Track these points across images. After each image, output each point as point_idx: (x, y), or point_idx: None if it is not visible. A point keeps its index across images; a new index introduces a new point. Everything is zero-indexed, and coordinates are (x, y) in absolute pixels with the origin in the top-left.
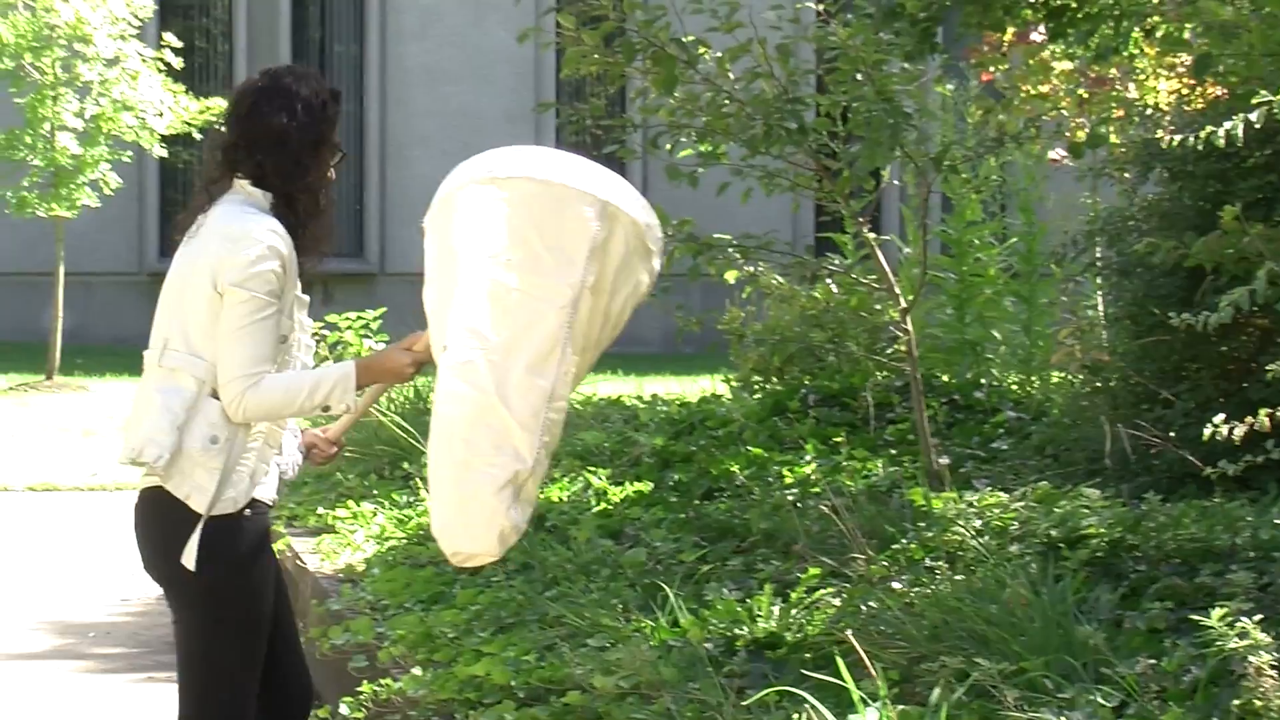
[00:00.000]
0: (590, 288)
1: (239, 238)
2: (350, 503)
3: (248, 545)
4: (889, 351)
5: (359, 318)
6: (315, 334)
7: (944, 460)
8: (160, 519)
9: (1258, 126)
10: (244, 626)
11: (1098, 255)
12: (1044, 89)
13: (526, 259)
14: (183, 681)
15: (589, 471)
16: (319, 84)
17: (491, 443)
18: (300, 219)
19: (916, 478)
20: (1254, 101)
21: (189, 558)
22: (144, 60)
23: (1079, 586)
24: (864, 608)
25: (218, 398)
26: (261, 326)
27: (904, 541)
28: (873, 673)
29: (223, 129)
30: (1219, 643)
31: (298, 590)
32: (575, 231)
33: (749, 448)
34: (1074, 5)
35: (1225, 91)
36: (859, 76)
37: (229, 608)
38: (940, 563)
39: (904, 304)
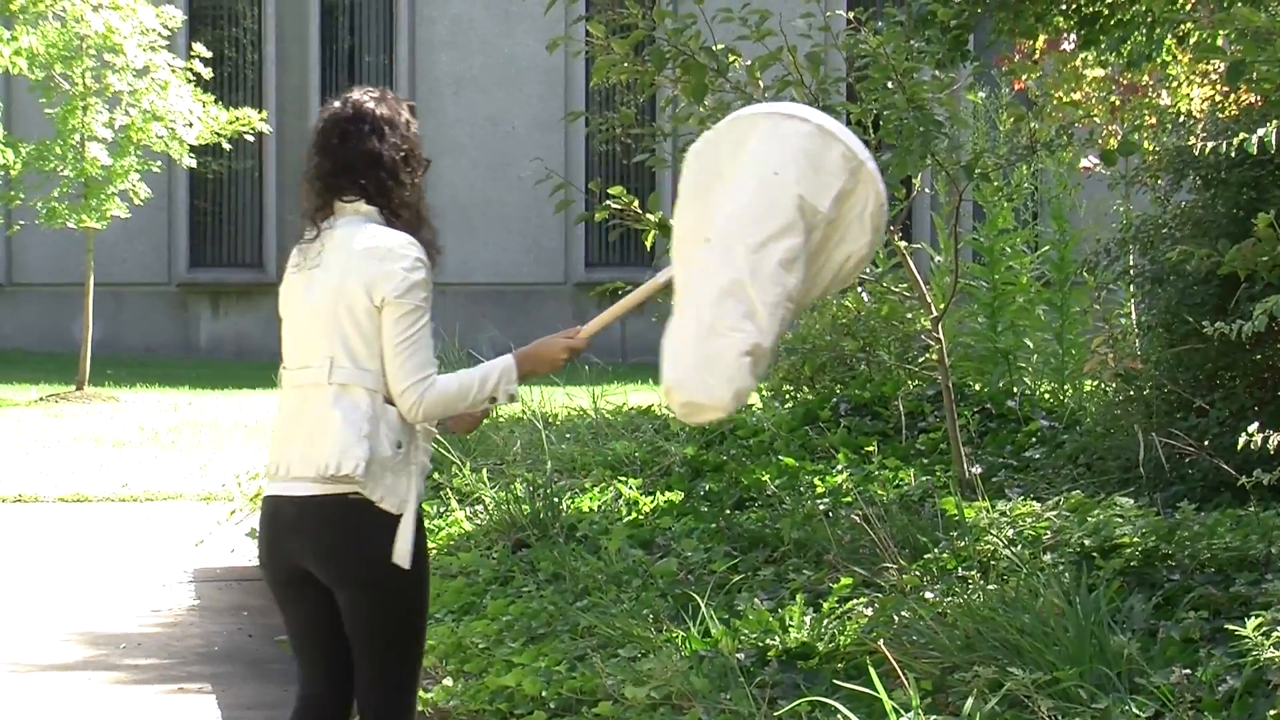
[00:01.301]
0: (829, 222)
1: (387, 253)
2: None
3: (421, 543)
4: (921, 360)
5: None
6: None
7: (976, 469)
8: (356, 525)
9: None
10: (421, 610)
11: (1131, 263)
12: (1076, 96)
13: (792, 178)
14: (378, 671)
15: (620, 481)
16: (397, 103)
17: (740, 313)
18: (408, 230)
19: (949, 487)
20: None
21: (402, 556)
22: (173, 70)
23: (1113, 596)
24: (896, 617)
25: (391, 404)
26: (425, 332)
27: (936, 551)
28: (905, 683)
29: (315, 160)
30: (1254, 652)
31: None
32: (832, 171)
33: (780, 457)
34: (1106, 12)
35: (1259, 98)
36: (890, 84)
37: (421, 593)
38: (973, 572)
39: (936, 312)
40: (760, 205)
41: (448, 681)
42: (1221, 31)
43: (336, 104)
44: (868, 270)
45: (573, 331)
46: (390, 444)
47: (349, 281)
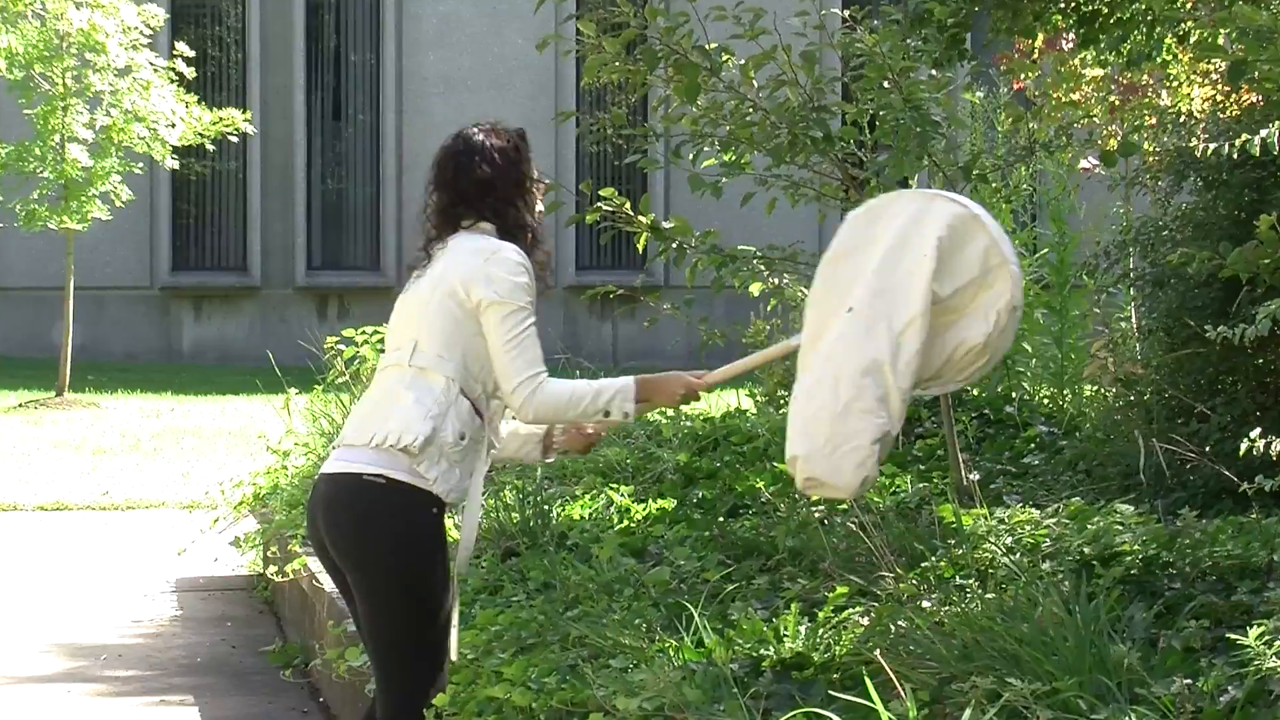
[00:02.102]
0: (947, 309)
1: (490, 255)
2: None
3: (443, 539)
4: None
5: (375, 331)
6: (331, 349)
7: (974, 476)
8: (386, 507)
9: None
10: (437, 605)
11: (1131, 266)
12: (1075, 96)
13: (931, 262)
14: (384, 669)
15: (611, 488)
16: (505, 131)
17: (877, 396)
18: (525, 248)
19: (946, 494)
20: None
21: (463, 563)
22: (156, 70)
23: (1113, 605)
24: (893, 627)
25: (467, 398)
26: (532, 332)
27: (933, 559)
28: (902, 693)
29: (433, 196)
30: (1256, 662)
31: (314, 611)
32: (969, 260)
33: (775, 464)
34: (1105, 11)
35: (1261, 98)
36: (886, 84)
37: (437, 591)
38: (971, 581)
39: None
40: (906, 287)
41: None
42: (1222, 30)
43: (449, 140)
44: None
45: (698, 374)
46: (454, 432)
47: (449, 274)
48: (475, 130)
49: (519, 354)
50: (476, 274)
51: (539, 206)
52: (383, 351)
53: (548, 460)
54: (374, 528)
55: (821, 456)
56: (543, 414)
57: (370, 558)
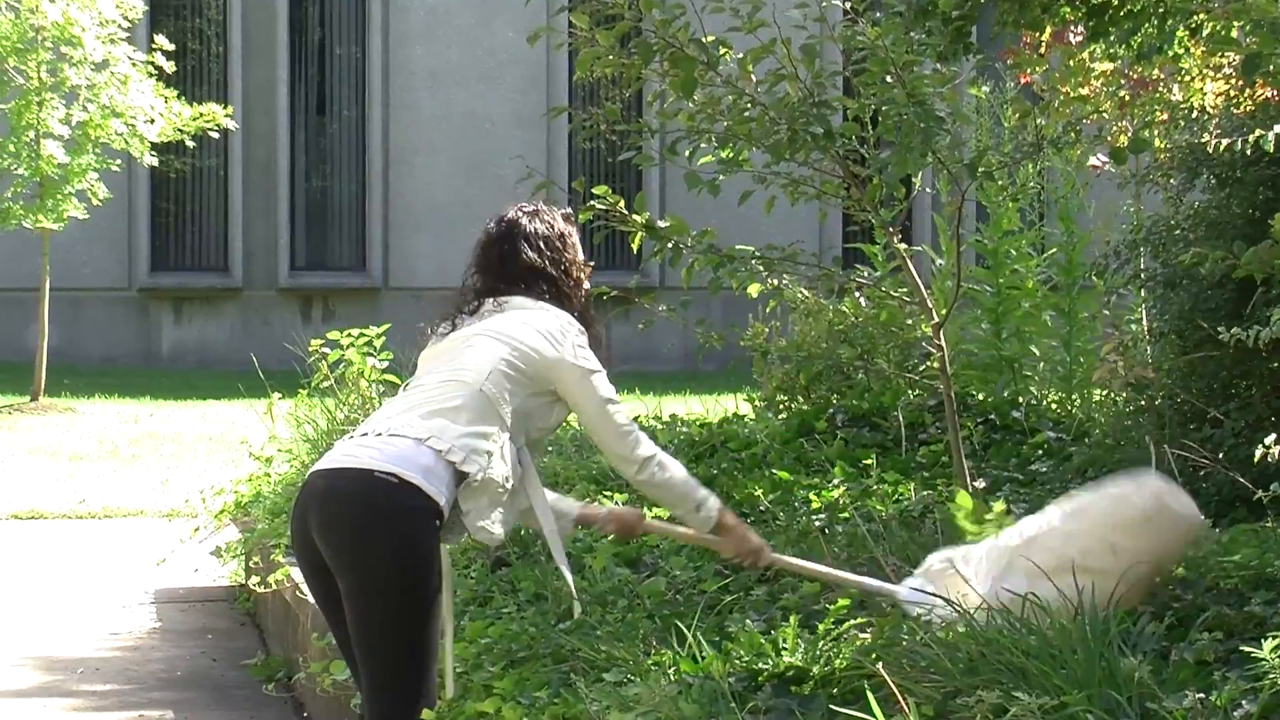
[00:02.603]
0: None
1: (555, 319)
2: None
3: (439, 551)
4: (921, 369)
5: (361, 334)
6: (315, 352)
7: (979, 483)
8: (393, 508)
9: None
10: (431, 614)
11: (1141, 266)
12: (1084, 91)
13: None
14: (373, 679)
15: (604, 496)
16: (549, 214)
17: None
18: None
19: (951, 501)
20: None
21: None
22: (134, 64)
23: (1123, 617)
24: (896, 639)
25: (513, 442)
26: (609, 391)
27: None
28: (905, 708)
29: (475, 279)
30: (1271, 676)
31: (298, 623)
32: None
33: (773, 471)
34: (1115, 3)
35: (1276, 93)
36: (889, 78)
37: (431, 600)
38: None
39: (937, 318)
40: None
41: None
42: (1236, 23)
43: (492, 224)
44: (865, 274)
45: (768, 550)
46: (502, 475)
47: (527, 333)
48: (520, 215)
49: (615, 415)
50: (547, 335)
51: (585, 286)
52: (405, 374)
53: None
54: (379, 526)
55: None
56: (660, 483)
57: (369, 557)
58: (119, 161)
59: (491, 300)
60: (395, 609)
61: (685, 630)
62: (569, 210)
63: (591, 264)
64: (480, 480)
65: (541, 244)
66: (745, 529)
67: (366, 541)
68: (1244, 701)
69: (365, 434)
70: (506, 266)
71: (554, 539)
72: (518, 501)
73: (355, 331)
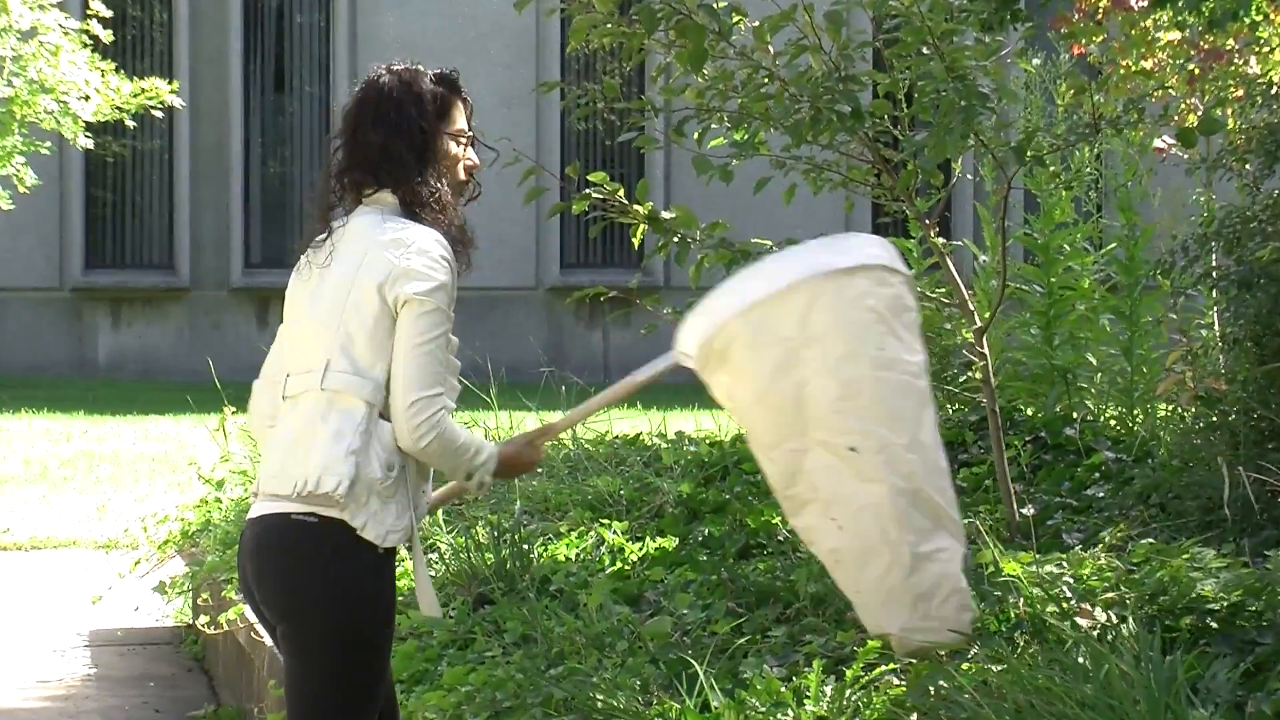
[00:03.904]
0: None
1: (409, 245)
2: None
3: (388, 586)
4: (962, 380)
5: None
6: None
7: (1028, 510)
8: (319, 552)
9: None
10: (372, 662)
11: (1213, 264)
12: (1147, 64)
13: (901, 348)
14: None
15: (602, 524)
16: (415, 76)
17: (931, 526)
18: (435, 223)
19: (995, 531)
20: None
21: (430, 605)
22: (66, 33)
23: (1192, 662)
24: (932, 688)
25: (387, 420)
26: (442, 343)
27: (980, 608)
28: None
29: (335, 153)
30: None
31: (252, 669)
32: (903, 305)
33: None
34: None
35: None
36: (925, 50)
37: (375, 649)
38: (1023, 634)
39: (980, 322)
40: (889, 394)
41: None
42: None
43: (359, 85)
44: None
45: (542, 431)
46: (381, 465)
47: (361, 277)
48: (383, 75)
49: (426, 363)
50: (393, 271)
51: (468, 161)
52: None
53: None
54: (304, 574)
55: (920, 623)
56: (433, 446)
57: (300, 606)
58: (49, 144)
59: (341, 215)
60: (328, 662)
61: (695, 676)
62: (453, 75)
63: (471, 136)
64: (361, 485)
65: (393, 113)
66: (517, 456)
67: (295, 594)
68: None
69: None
70: (357, 142)
71: (418, 553)
72: (413, 481)
73: None
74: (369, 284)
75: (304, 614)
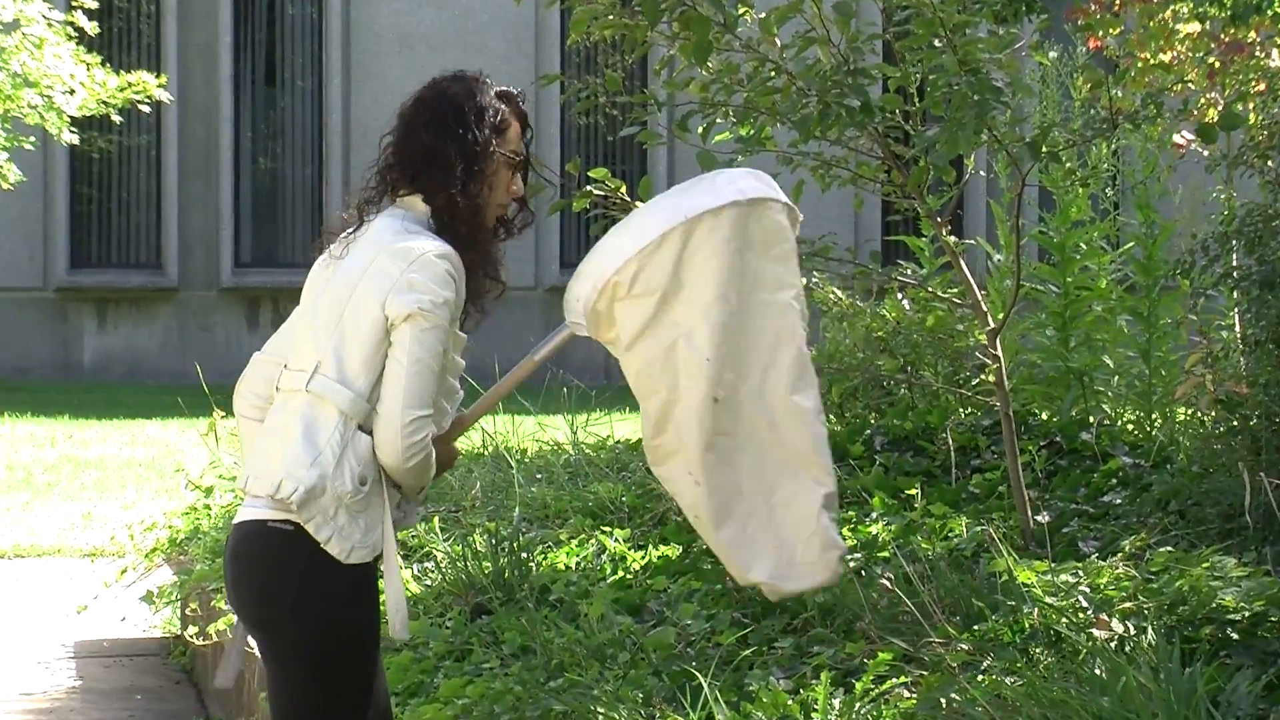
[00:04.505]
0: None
1: (415, 259)
2: None
3: (368, 596)
4: (975, 383)
5: None
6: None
7: (1043, 517)
8: (292, 561)
9: None
10: (351, 676)
11: (1234, 264)
12: (1166, 57)
13: (752, 284)
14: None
15: (603, 532)
16: (480, 85)
17: (792, 470)
18: (461, 241)
19: (1009, 539)
20: None
21: (399, 627)
22: (50, 24)
23: (1212, 674)
24: (945, 701)
25: (366, 432)
26: (438, 361)
27: (993, 619)
28: None
29: (385, 149)
30: None
31: (243, 681)
32: (777, 237)
33: None
34: None
35: None
36: (937, 42)
37: (340, 657)
38: (1038, 645)
39: (993, 323)
40: (754, 337)
41: None
42: None
43: (420, 89)
44: (909, 272)
45: (456, 423)
46: (353, 478)
47: (365, 281)
48: (449, 79)
49: (419, 381)
50: (396, 283)
51: (515, 187)
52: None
53: None
54: (279, 581)
55: (786, 568)
56: (415, 467)
57: (274, 614)
58: (33, 139)
59: (371, 211)
60: (305, 675)
61: (699, 689)
62: (521, 92)
63: (524, 160)
64: (327, 496)
65: (449, 118)
66: (447, 451)
67: (268, 603)
68: None
69: (257, 478)
70: (406, 142)
71: (393, 569)
72: (388, 497)
73: None
74: (371, 291)
75: (278, 623)
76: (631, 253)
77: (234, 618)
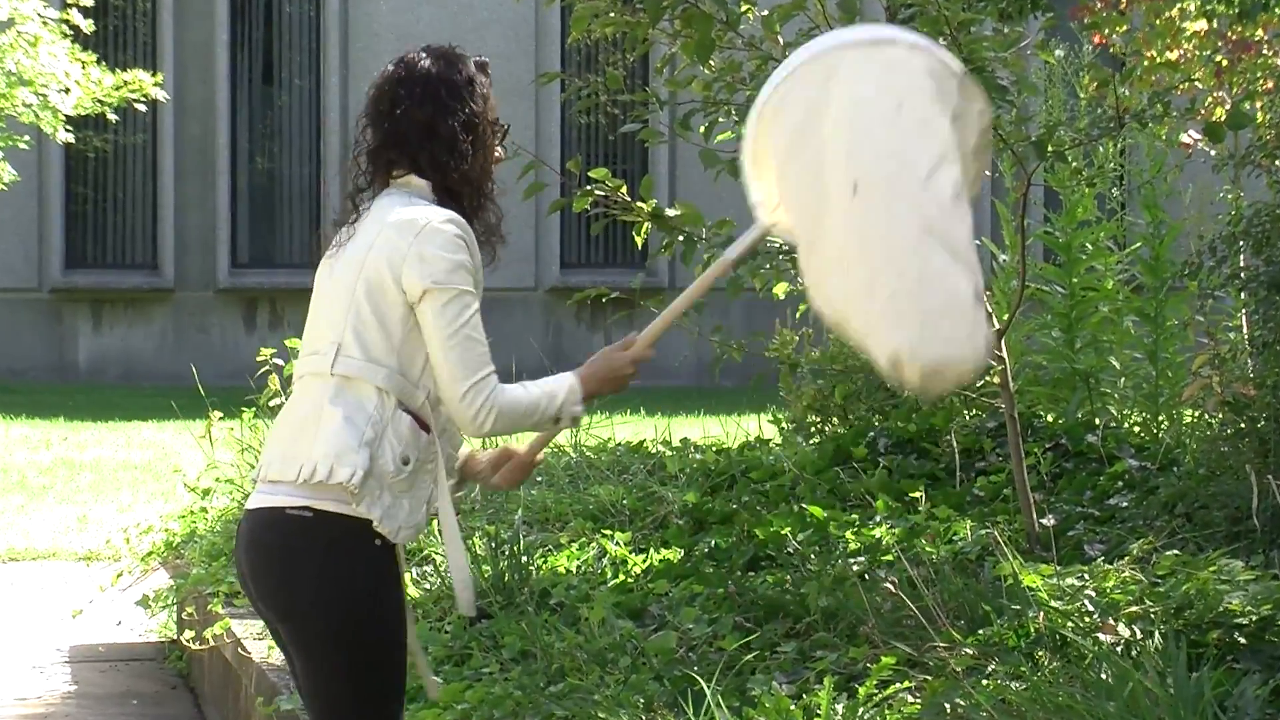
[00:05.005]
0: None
1: (420, 230)
2: None
3: (391, 577)
4: (979, 384)
5: None
6: (264, 363)
7: (1048, 520)
8: (321, 546)
9: None
10: (383, 659)
11: (1242, 264)
12: (1173, 55)
13: (924, 104)
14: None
15: (604, 535)
16: (460, 60)
17: (948, 255)
18: (465, 212)
19: (1014, 542)
20: None
21: (466, 605)
22: (45, 23)
23: (1220, 679)
24: (949, 705)
25: (406, 411)
26: (475, 324)
27: (998, 623)
28: None
29: (364, 132)
30: None
31: (240, 686)
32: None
33: (804, 505)
34: None
35: None
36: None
37: (389, 645)
38: (1043, 650)
39: (998, 324)
40: (903, 138)
41: None
42: None
43: (390, 65)
44: None
45: (629, 340)
46: (395, 458)
47: (374, 257)
48: (423, 55)
49: (463, 351)
50: (406, 255)
51: (498, 152)
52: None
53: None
54: (300, 570)
55: (929, 338)
56: (501, 425)
57: (298, 606)
58: (27, 138)
59: (368, 197)
60: (336, 660)
61: (701, 694)
62: (485, 60)
63: (506, 127)
64: (374, 478)
65: (442, 90)
66: (604, 370)
67: (292, 592)
68: None
69: (278, 465)
70: (395, 119)
71: (456, 546)
72: (433, 476)
73: None
74: (380, 266)
75: (304, 614)
76: (778, 80)
77: (257, 612)
